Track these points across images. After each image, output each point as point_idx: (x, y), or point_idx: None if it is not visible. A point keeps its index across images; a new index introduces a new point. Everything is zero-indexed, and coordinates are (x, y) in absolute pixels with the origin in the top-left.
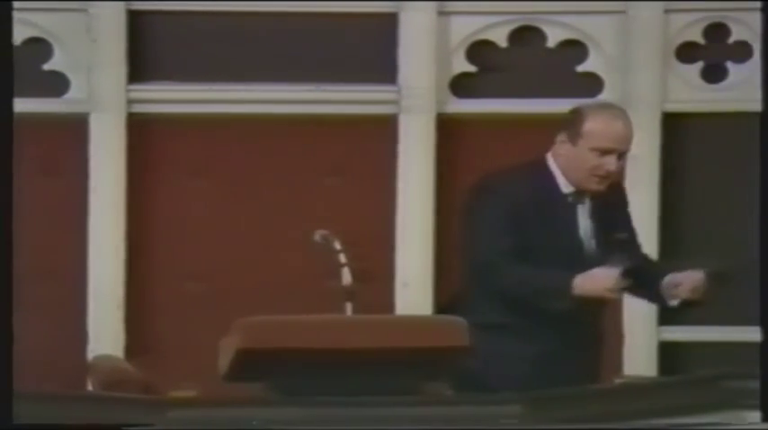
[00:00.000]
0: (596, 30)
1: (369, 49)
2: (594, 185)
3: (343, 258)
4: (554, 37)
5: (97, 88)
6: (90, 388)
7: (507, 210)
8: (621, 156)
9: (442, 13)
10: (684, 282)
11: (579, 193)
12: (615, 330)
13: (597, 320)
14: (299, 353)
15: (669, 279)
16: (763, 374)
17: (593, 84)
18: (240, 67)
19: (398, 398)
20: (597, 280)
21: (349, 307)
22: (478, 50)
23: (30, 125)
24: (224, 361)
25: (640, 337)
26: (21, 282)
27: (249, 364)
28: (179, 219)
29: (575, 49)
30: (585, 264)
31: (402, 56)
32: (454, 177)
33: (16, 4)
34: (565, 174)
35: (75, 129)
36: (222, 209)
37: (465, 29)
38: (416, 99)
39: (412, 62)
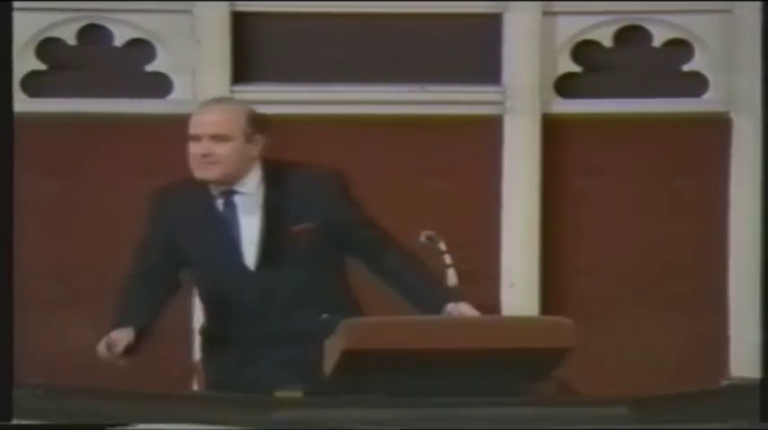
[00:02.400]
0: (702, 29)
1: (473, 50)
2: (198, 173)
3: (448, 259)
4: (659, 36)
5: (201, 89)
6: (196, 387)
7: (157, 224)
8: (216, 139)
9: (547, 13)
10: None
11: (226, 192)
12: (721, 332)
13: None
14: (405, 354)
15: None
16: (763, 374)
17: (698, 83)
18: (344, 69)
19: (503, 398)
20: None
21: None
22: (584, 50)
23: (133, 126)
24: (329, 361)
25: (746, 339)
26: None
27: (354, 365)
28: None
29: (680, 48)
30: (244, 267)
31: (507, 56)
32: (560, 178)
33: (120, 5)
34: None
35: (179, 130)
36: None
37: (570, 29)
38: (521, 100)
39: (517, 62)
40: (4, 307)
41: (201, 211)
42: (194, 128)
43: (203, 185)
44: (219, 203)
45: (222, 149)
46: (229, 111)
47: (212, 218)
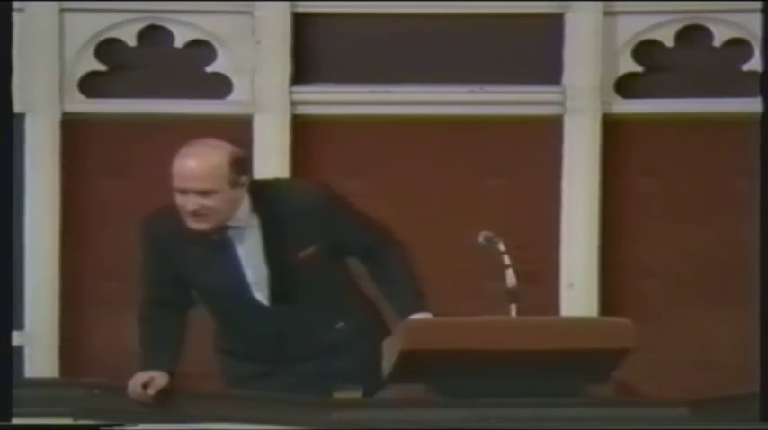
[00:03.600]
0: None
1: (534, 50)
2: (193, 224)
3: (507, 260)
4: (720, 36)
5: (261, 90)
6: None
7: (159, 253)
8: (204, 194)
9: (607, 13)
10: None
11: (222, 228)
12: None
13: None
14: (463, 355)
15: None
16: (763, 374)
17: (757, 83)
18: (403, 69)
19: (563, 399)
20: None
21: (513, 308)
22: (645, 50)
23: (192, 127)
24: (388, 361)
25: None
26: None
27: (413, 365)
28: None
29: (740, 47)
30: (257, 302)
31: (567, 56)
32: (620, 178)
33: (181, 6)
34: None
35: (238, 131)
36: (384, 209)
37: (631, 28)
38: (581, 100)
39: (577, 62)
40: (5, 307)
41: (199, 244)
42: (180, 182)
43: None
44: (215, 238)
45: (210, 202)
46: (212, 163)
47: (211, 251)
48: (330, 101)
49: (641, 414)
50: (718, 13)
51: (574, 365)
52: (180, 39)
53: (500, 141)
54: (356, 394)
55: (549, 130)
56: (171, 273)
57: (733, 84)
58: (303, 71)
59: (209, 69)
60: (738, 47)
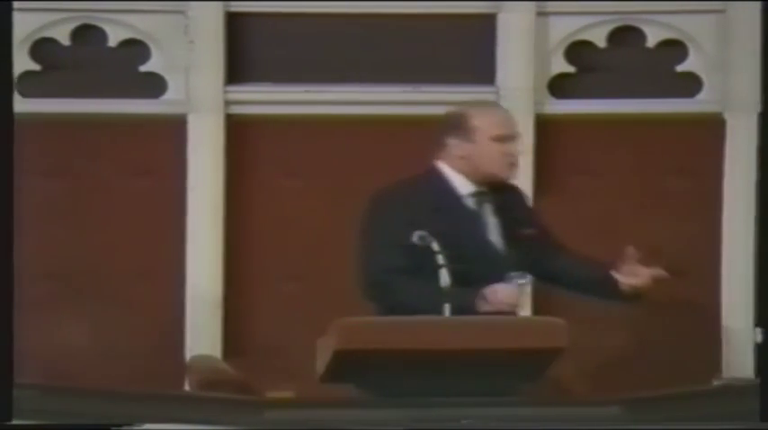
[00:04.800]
0: (696, 29)
1: (467, 50)
2: (507, 172)
3: (441, 259)
4: (653, 37)
5: (195, 90)
6: (188, 388)
7: (401, 222)
8: (516, 141)
9: (540, 14)
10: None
11: (481, 193)
12: (714, 332)
13: None
14: (397, 354)
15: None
16: (763, 374)
17: (692, 84)
18: (337, 69)
19: (496, 399)
20: (498, 295)
21: (447, 308)
22: (577, 51)
23: (127, 126)
24: (321, 361)
25: (738, 339)
26: (119, 282)
27: (346, 365)
28: (277, 219)
29: (674, 48)
30: (498, 263)
31: (500, 56)
32: (553, 178)
33: (114, 5)
34: (467, 174)
35: (172, 131)
36: (319, 209)
37: (564, 29)
38: (514, 100)
39: (510, 63)
40: (5, 307)
41: (452, 206)
42: (505, 128)
43: (445, 182)
44: (471, 202)
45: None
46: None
47: (465, 212)
48: (264, 100)
49: (574, 413)
50: (651, 14)
51: (507, 364)
52: (113, 38)
53: (434, 141)
54: (289, 393)
55: None
56: (402, 244)
57: (667, 84)
58: (237, 71)
59: (142, 69)
60: (672, 48)
